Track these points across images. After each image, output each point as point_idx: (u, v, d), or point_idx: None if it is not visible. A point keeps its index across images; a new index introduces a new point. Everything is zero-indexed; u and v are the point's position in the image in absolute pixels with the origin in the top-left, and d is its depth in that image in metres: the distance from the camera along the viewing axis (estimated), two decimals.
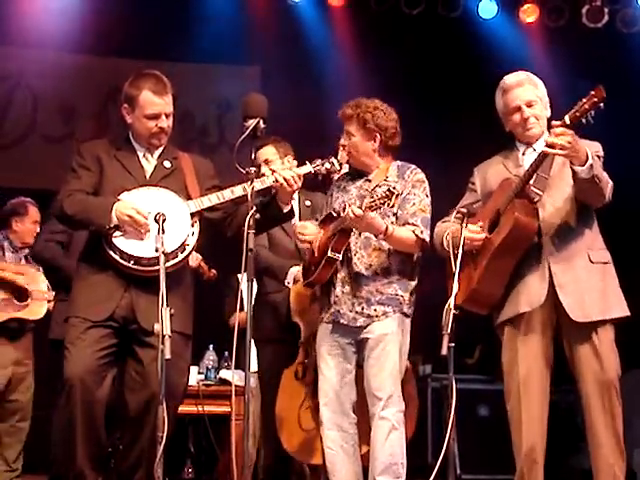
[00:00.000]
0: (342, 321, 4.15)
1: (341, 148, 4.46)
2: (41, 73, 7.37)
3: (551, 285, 3.87)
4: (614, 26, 7.27)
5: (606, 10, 7.20)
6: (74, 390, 3.82)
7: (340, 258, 4.13)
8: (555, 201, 3.93)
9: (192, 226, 3.96)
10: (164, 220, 3.81)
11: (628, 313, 3.94)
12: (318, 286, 4.31)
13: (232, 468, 3.86)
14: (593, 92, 3.62)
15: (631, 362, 4.88)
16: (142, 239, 3.87)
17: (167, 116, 4.01)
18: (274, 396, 4.67)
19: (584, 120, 3.67)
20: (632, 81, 7.06)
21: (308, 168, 4.12)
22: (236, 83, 7.45)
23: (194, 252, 5.51)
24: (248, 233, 3.64)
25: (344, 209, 4.05)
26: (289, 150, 4.85)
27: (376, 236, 4.11)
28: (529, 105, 3.99)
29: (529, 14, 7.51)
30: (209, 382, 5.64)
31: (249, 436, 3.62)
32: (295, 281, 4.71)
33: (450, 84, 7.35)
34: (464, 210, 3.91)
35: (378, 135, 4.22)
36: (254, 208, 3.69)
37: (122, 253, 3.87)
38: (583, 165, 3.68)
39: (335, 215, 4.19)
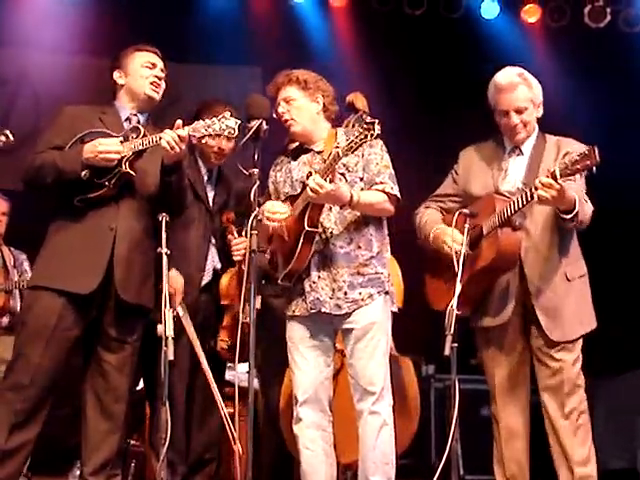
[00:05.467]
0: (323, 309, 3.87)
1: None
2: (43, 75, 7.34)
3: (527, 304, 3.91)
4: (616, 26, 7.26)
5: (608, 10, 7.18)
6: None
7: (320, 230, 3.86)
8: (537, 222, 3.91)
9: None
10: (167, 221, 3.82)
11: (595, 326, 3.96)
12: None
13: (235, 468, 3.87)
14: (587, 153, 3.42)
15: (631, 362, 4.88)
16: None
17: None
18: (276, 394, 4.69)
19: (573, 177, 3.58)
20: (634, 81, 7.05)
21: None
22: (237, 84, 7.44)
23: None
24: (251, 234, 3.64)
25: (308, 177, 3.77)
26: None
27: (342, 207, 3.86)
28: (518, 112, 3.94)
29: (531, 14, 7.50)
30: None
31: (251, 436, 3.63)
32: None
33: (452, 84, 7.34)
34: (467, 211, 3.85)
35: (321, 97, 4.00)
36: (257, 209, 3.69)
37: None
38: (569, 213, 3.67)
39: (297, 194, 3.92)
